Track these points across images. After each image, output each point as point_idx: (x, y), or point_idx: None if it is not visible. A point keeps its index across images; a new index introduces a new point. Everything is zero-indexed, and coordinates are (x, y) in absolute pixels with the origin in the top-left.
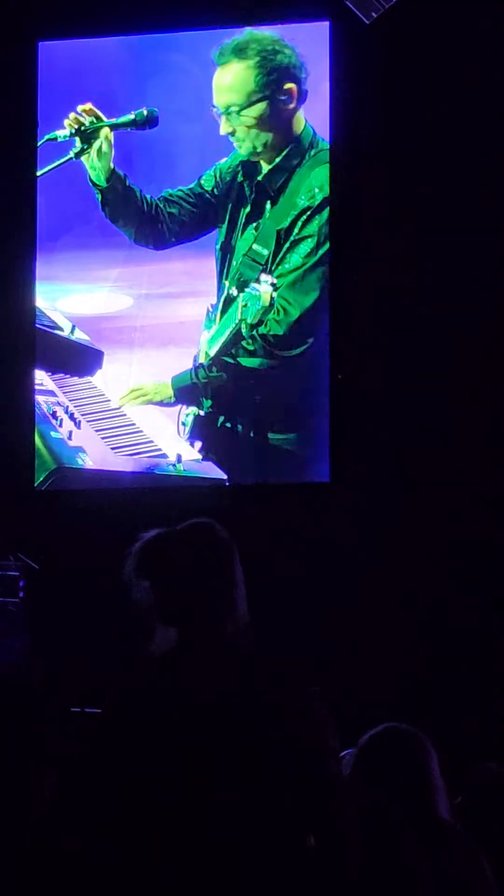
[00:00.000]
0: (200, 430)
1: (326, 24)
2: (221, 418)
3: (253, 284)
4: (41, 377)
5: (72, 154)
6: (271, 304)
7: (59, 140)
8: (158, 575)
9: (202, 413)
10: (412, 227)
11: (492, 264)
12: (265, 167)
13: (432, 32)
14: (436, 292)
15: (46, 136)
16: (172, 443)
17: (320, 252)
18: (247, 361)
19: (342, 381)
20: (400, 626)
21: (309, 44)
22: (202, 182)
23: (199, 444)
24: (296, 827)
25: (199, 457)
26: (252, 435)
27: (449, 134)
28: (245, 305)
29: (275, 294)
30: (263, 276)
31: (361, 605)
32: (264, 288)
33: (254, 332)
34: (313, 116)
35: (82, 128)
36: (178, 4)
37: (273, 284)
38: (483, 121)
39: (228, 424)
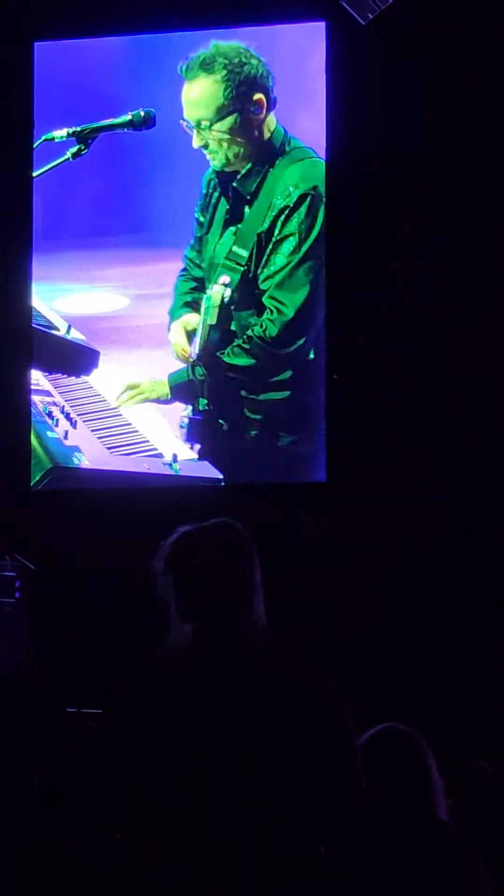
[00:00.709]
0: (197, 431)
1: (322, 24)
2: (218, 418)
3: (211, 286)
4: (37, 377)
5: (69, 155)
6: (263, 307)
7: (55, 140)
8: (180, 570)
9: (196, 413)
10: (410, 227)
11: (490, 264)
12: (239, 173)
13: (429, 33)
14: (434, 291)
15: (43, 137)
16: (168, 442)
17: (304, 248)
18: (240, 360)
19: (338, 381)
20: (398, 626)
21: (288, 45)
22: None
23: (197, 447)
24: (304, 828)
25: (196, 456)
26: (247, 433)
27: (447, 134)
28: (206, 307)
29: (227, 294)
30: (222, 278)
31: (359, 605)
32: (216, 289)
33: (248, 333)
34: (308, 116)
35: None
36: (173, 5)
37: (225, 284)
38: (481, 121)
39: (223, 423)
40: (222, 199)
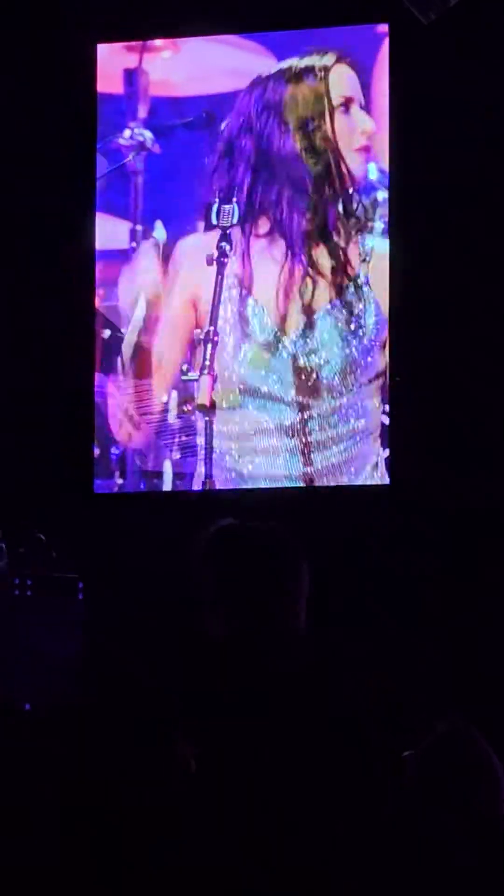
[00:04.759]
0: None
1: (385, 26)
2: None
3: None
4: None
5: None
6: None
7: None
8: (216, 569)
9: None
10: (479, 235)
11: None
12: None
13: (497, 32)
14: (498, 294)
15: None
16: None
17: None
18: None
19: (400, 383)
20: (461, 627)
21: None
22: None
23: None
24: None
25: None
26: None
27: None
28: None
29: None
30: None
31: (423, 607)
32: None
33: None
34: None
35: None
36: (232, 7)
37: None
38: None
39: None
40: None
